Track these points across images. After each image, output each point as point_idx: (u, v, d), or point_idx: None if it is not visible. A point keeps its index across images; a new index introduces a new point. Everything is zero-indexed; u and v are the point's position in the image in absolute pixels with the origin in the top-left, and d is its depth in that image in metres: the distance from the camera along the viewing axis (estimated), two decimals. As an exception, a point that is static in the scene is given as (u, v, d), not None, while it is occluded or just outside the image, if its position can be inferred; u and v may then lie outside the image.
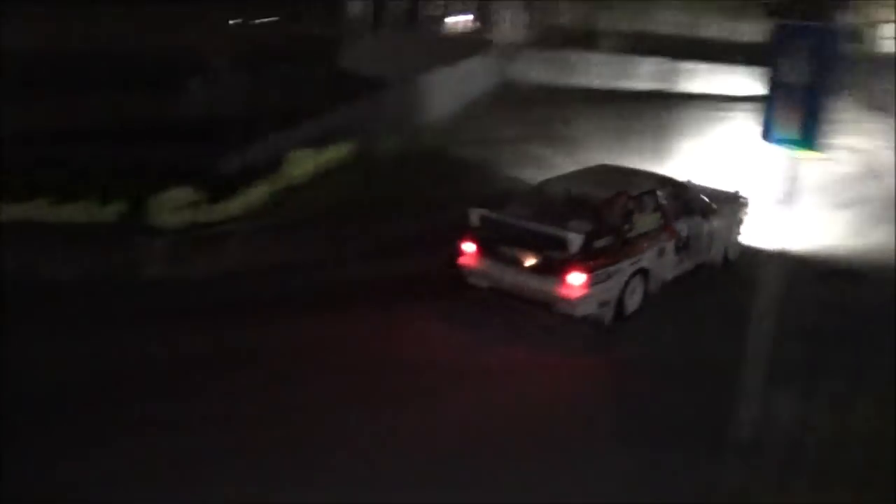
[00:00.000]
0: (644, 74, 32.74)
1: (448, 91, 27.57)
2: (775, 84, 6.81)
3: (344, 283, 14.11)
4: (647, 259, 12.81)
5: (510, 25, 36.54)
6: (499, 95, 30.93)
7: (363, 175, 20.69)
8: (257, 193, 17.74)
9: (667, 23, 35.60)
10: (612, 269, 12.23)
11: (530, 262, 12.21)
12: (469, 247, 12.87)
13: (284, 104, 22.47)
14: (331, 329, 12.14)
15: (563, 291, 11.79)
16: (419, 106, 25.37)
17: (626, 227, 12.65)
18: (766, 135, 6.93)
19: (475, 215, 12.77)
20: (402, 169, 21.41)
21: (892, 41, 67.67)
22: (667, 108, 28.72)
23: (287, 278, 14.40)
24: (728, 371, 8.89)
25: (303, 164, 19.71)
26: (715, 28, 34.27)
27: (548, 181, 14.19)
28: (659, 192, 13.69)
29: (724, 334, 10.44)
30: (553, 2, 35.76)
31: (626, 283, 12.49)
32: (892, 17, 69.39)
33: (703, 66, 32.73)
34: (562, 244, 11.77)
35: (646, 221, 13.03)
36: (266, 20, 36.79)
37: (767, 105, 6.91)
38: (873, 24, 71.37)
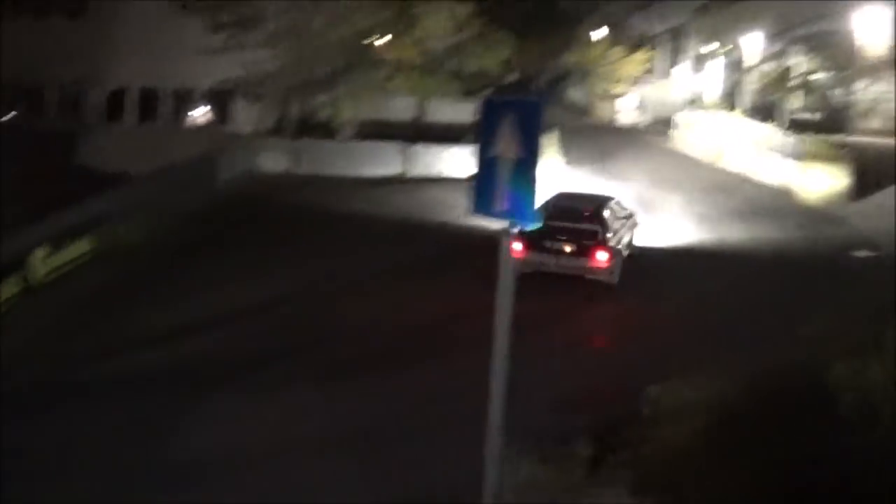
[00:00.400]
0: (383, 159, 33.49)
1: (190, 183, 27.06)
2: (483, 158, 6.87)
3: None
4: (620, 245, 20.87)
5: (248, 116, 36.59)
6: (244, 185, 30.73)
7: (108, 268, 20.11)
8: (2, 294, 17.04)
9: (402, 109, 36.65)
10: (614, 250, 20.06)
11: (569, 248, 19.67)
12: (517, 245, 15.86)
13: (26, 201, 21.66)
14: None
15: (595, 265, 19.60)
16: (163, 199, 24.71)
17: (605, 225, 20.27)
18: (477, 208, 6.97)
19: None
20: (145, 262, 20.87)
21: (629, 113, 72.04)
22: (408, 190, 29.39)
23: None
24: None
25: (48, 261, 19.01)
26: (446, 111, 35.46)
27: (547, 202, 20.15)
28: (611, 204, 21.66)
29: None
30: (288, 93, 36.06)
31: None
32: (627, 91, 73.71)
33: (439, 148, 33.94)
34: (593, 235, 19.88)
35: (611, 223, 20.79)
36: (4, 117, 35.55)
37: (476, 179, 6.97)
38: (609, 98, 75.69)
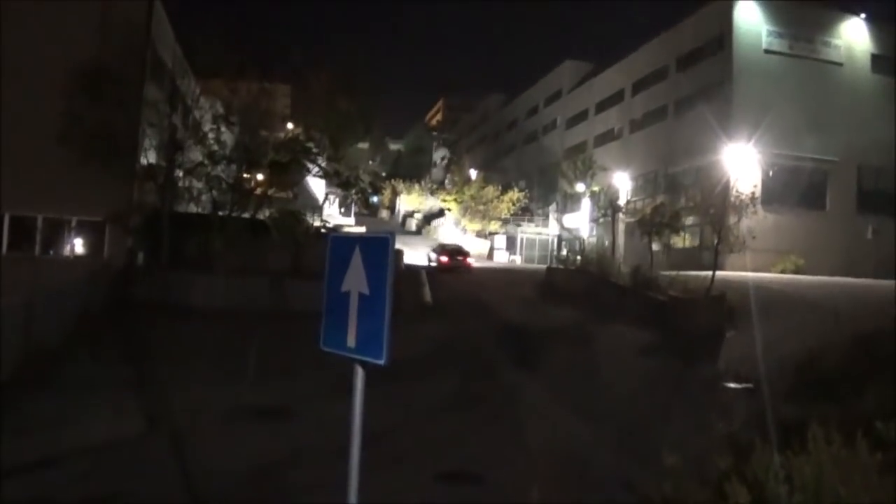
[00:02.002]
0: (255, 293, 33.34)
1: (57, 313, 26.23)
2: (331, 293, 6.79)
3: None
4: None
5: (122, 247, 36.31)
6: (106, 316, 30.08)
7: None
8: None
9: (279, 245, 37.01)
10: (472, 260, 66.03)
11: (460, 258, 62.68)
12: (444, 258, 62.06)
13: None
14: None
15: (468, 264, 62.50)
16: (27, 328, 23.61)
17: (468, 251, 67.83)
18: (325, 342, 6.87)
19: (445, 249, 65.25)
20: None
21: (502, 252, 74.16)
22: (275, 323, 29.17)
23: None
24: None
25: None
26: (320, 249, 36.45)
27: (443, 246, 67.68)
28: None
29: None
30: (162, 225, 36.08)
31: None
32: (501, 230, 75.98)
33: (312, 284, 33.84)
34: (467, 254, 65.24)
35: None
36: None
37: (325, 314, 6.87)
38: (484, 236, 76.75)
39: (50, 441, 16.10)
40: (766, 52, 56.79)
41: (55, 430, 16.96)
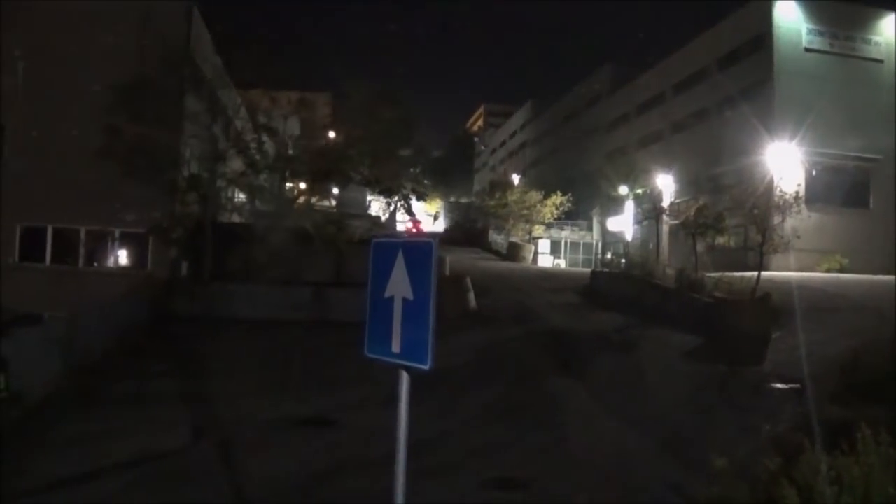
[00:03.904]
0: (298, 303, 33.31)
1: (101, 327, 26.36)
2: (374, 299, 6.78)
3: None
4: None
5: (163, 259, 36.44)
6: (150, 329, 30.26)
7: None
8: None
9: (322, 254, 37.08)
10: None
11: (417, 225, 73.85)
12: (409, 226, 67.54)
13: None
14: None
15: (421, 229, 61.79)
16: (71, 342, 23.73)
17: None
18: (369, 349, 6.85)
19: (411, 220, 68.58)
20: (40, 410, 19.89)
21: (546, 256, 73.26)
22: (319, 333, 29.15)
23: None
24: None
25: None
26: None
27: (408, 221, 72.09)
28: None
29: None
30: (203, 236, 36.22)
31: None
32: (545, 234, 75.47)
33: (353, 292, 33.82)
34: (420, 222, 69.62)
35: None
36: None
37: (369, 320, 6.86)
38: (528, 241, 76.54)
39: (95, 453, 16.21)
40: (807, 50, 56.29)
41: (100, 442, 17.08)
